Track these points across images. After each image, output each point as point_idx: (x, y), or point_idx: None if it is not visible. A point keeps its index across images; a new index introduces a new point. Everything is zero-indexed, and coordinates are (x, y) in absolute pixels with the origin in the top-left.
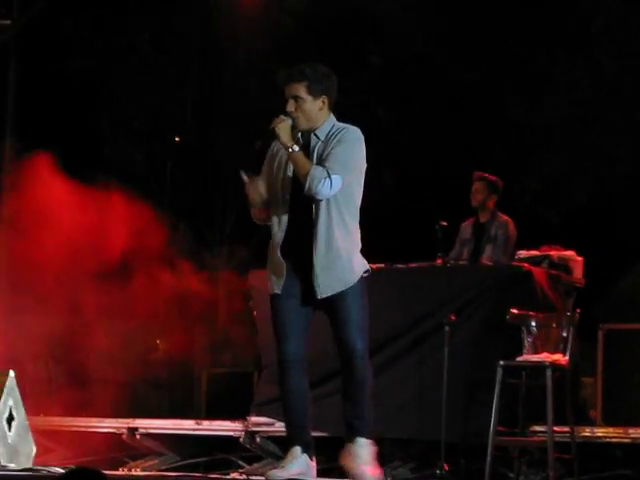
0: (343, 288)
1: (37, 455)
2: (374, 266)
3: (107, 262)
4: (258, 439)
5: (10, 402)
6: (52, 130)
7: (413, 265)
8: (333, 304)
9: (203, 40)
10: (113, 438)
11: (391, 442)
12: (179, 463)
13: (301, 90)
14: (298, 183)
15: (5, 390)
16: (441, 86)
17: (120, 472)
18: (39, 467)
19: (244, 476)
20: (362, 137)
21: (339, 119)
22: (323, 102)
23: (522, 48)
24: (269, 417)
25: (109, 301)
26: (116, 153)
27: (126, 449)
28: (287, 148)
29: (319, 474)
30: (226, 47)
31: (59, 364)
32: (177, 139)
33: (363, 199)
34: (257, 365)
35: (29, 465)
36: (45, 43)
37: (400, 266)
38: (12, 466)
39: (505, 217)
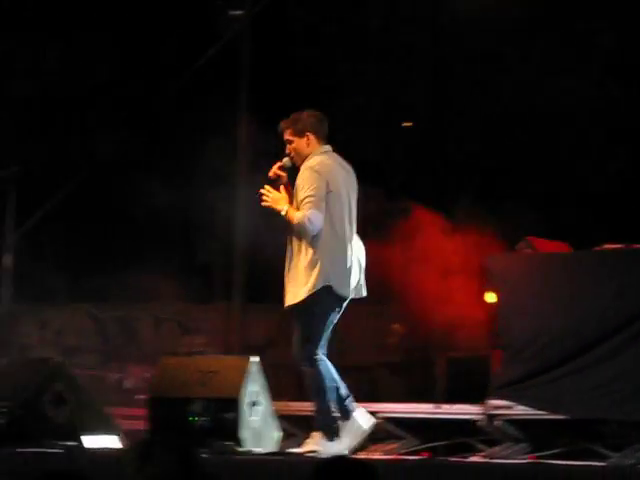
0: (293, 301)
1: (282, 440)
2: (612, 246)
3: None
4: (498, 422)
5: (254, 387)
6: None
7: None
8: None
9: (434, 24)
10: None
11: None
12: (419, 447)
13: (288, 134)
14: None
15: (248, 375)
16: None
17: (361, 456)
18: (284, 451)
19: (484, 459)
20: (313, 168)
21: None
22: (308, 138)
23: None
24: (508, 400)
25: None
26: (348, 141)
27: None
28: (279, 213)
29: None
30: (459, 32)
31: None
32: (408, 124)
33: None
34: (494, 348)
35: (274, 450)
36: (276, 32)
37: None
38: (257, 451)
39: None
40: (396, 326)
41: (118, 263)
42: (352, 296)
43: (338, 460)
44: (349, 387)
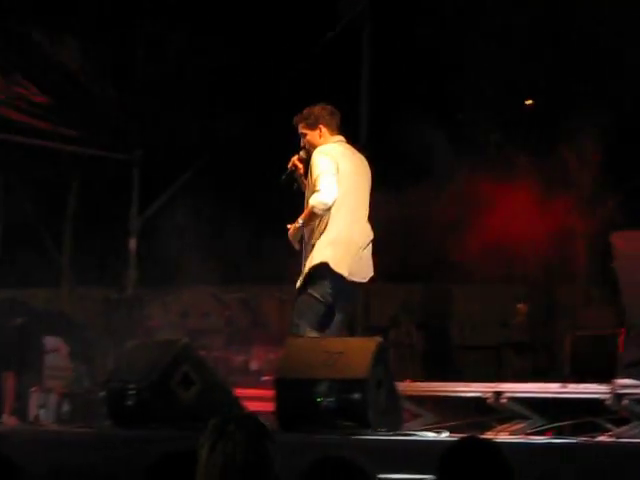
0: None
1: (405, 420)
2: None
3: None
4: (625, 401)
5: (380, 368)
6: (407, 95)
7: None
8: None
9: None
10: (478, 402)
11: None
12: (545, 427)
13: (302, 128)
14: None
15: (374, 356)
16: None
17: (488, 435)
18: (410, 432)
19: (612, 439)
20: (322, 151)
21: None
22: (320, 130)
23: None
24: (636, 379)
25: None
26: (471, 120)
27: (492, 413)
28: (299, 225)
29: None
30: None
31: (419, 330)
32: (529, 102)
33: None
34: (621, 326)
35: (399, 430)
36: (398, 12)
37: None
38: (383, 431)
39: None
40: (521, 305)
41: (241, 245)
42: (355, 279)
43: (467, 441)
44: (474, 367)
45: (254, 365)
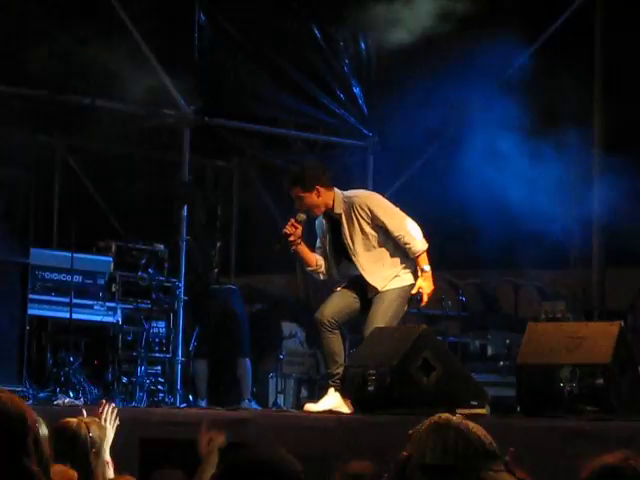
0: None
1: None
2: None
3: None
4: None
5: (623, 353)
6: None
7: None
8: None
9: None
10: None
11: None
12: None
13: (298, 191)
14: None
15: (617, 341)
16: None
17: None
18: None
19: None
20: (376, 196)
21: None
22: (318, 190)
23: None
24: None
25: None
26: None
27: None
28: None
29: None
30: None
31: None
32: None
33: None
34: None
35: None
36: None
37: None
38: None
39: None
40: None
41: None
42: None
43: None
44: None
45: (490, 350)
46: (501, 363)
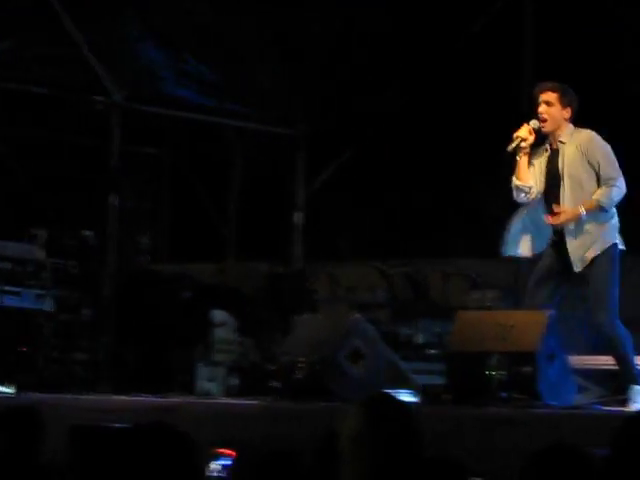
0: None
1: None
2: None
3: None
4: None
5: (551, 341)
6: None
7: None
8: None
9: None
10: None
11: None
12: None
13: (553, 98)
14: None
15: (545, 329)
16: None
17: None
18: (581, 404)
19: None
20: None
21: None
22: (569, 112)
23: None
24: None
25: None
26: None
27: None
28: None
29: None
30: None
31: None
32: None
33: None
34: None
35: (572, 404)
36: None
37: None
38: (554, 404)
39: None
40: None
41: (410, 219)
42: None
43: None
44: None
45: (419, 339)
46: (431, 351)
